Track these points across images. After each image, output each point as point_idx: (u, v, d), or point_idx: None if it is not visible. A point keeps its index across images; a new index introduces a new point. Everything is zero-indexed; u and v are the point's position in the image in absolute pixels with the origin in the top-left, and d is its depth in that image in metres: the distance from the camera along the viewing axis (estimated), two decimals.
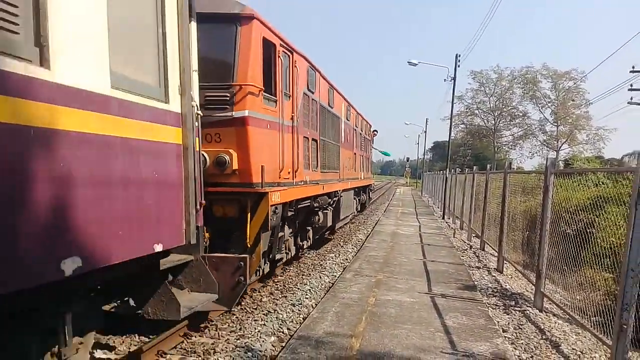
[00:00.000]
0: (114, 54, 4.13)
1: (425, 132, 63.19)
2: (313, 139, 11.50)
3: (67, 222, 3.63)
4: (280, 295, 9.04)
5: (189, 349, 6.26)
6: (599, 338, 6.21)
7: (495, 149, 71.87)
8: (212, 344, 6.45)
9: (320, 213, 12.14)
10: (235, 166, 7.50)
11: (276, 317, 7.59)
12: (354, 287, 9.08)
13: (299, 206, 10.20)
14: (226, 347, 6.30)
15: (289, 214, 9.57)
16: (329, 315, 7.23)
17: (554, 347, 6.59)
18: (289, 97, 9.43)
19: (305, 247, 12.26)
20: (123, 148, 4.28)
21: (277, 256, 9.36)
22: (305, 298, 8.80)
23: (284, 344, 6.33)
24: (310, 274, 10.87)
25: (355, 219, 22.06)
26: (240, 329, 7.06)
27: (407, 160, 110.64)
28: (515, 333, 7.06)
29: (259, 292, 9.27)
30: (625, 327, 5.30)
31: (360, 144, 21.09)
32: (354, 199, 19.09)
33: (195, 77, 5.63)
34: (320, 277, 10.47)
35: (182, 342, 6.53)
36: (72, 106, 3.67)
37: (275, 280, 10.20)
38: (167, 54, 5.07)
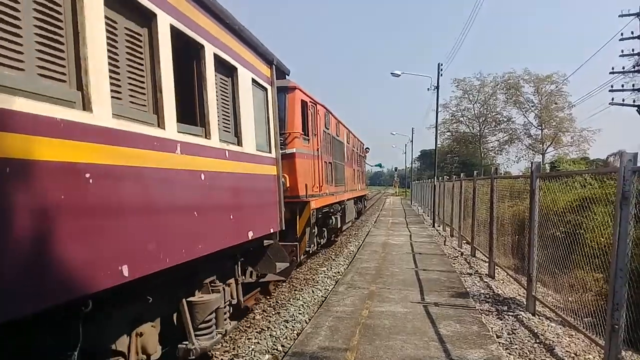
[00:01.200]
0: (257, 136, 7.64)
1: (412, 141, 63.64)
2: (329, 162, 15.88)
3: (248, 214, 7.08)
4: (273, 312, 9.00)
5: None
6: (591, 339, 6.23)
7: (482, 154, 72.35)
8: None
9: (333, 217, 15.89)
10: (288, 184, 11.14)
11: (270, 335, 7.55)
12: (347, 300, 9.05)
13: (322, 211, 14.14)
14: None
15: (318, 217, 13.44)
16: (323, 330, 7.19)
17: (548, 350, 6.60)
18: (315, 135, 13.66)
19: (322, 243, 15.76)
20: (260, 177, 7.70)
21: (312, 247, 13.69)
22: (299, 313, 8.76)
23: None
24: (302, 289, 10.83)
25: (347, 231, 22.05)
26: (234, 349, 7.01)
27: (396, 170, 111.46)
28: (509, 338, 7.07)
29: (252, 310, 9.20)
30: (616, 327, 5.31)
31: (358, 161, 25.68)
32: (354, 206, 23.42)
33: (277, 137, 8.81)
34: (312, 292, 10.43)
35: None
36: (252, 161, 7.36)
37: (268, 298, 10.14)
38: (270, 128, 8.51)
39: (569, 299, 7.57)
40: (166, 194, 4.71)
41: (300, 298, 9.86)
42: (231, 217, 6.36)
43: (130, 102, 4.42)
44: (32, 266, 3.07)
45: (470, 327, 7.34)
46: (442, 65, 26.46)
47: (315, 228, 13.52)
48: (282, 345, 7.11)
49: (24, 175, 3.00)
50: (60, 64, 3.50)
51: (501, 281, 11.09)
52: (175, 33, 5.10)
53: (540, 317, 8.05)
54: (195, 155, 5.37)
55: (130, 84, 4.41)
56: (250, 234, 7.05)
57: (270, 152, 8.35)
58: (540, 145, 65.20)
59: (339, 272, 12.45)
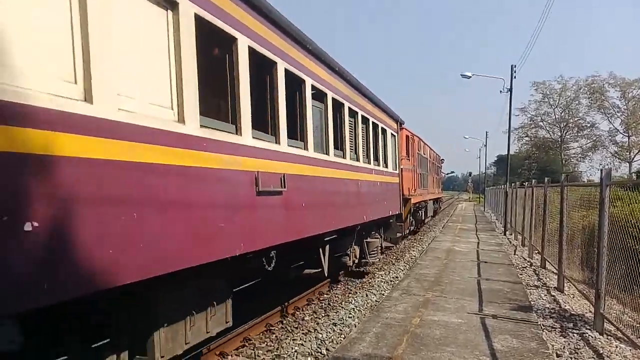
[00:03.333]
0: (390, 160, 14.79)
1: (486, 145, 61.39)
2: (419, 173, 22.51)
3: (387, 202, 13.84)
4: (323, 314, 8.85)
5: None
6: None
7: (563, 161, 68.81)
8: None
9: (420, 211, 23.15)
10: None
11: (315, 337, 7.40)
12: (399, 306, 8.75)
13: (416, 205, 20.69)
14: None
15: (412, 209, 19.54)
16: (369, 336, 6.96)
17: None
18: (412, 155, 20.24)
19: (411, 229, 21.37)
20: (391, 183, 14.52)
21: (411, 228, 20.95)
22: (349, 317, 8.56)
23: None
24: (357, 292, 10.63)
25: (410, 237, 21.59)
26: (277, 349, 6.92)
27: (470, 175, 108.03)
28: (571, 358, 6.52)
29: (302, 310, 9.11)
30: None
31: (436, 170, 32.85)
32: (433, 205, 30.49)
33: (399, 160, 15.86)
34: (366, 296, 10.19)
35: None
36: (387, 175, 14.25)
37: (321, 299, 10.03)
38: (396, 155, 15.71)
39: None
40: (351, 191, 10.19)
41: (353, 301, 9.65)
42: (385, 203, 13.48)
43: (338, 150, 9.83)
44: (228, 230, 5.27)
45: (528, 343, 6.85)
46: (515, 66, 25.26)
47: (410, 217, 19.60)
48: (327, 349, 6.93)
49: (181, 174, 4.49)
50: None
51: (571, 296, 10.35)
52: (350, 111, 10.42)
53: (609, 337, 7.40)
54: (358, 172, 10.83)
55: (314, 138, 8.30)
56: (390, 212, 14.21)
57: (395, 169, 15.56)
58: (627, 153, 61.11)
59: (397, 277, 12.12)
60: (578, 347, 6.93)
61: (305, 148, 7.66)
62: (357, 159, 10.88)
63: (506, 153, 29.21)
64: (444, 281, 11.11)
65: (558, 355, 6.56)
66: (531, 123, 71.64)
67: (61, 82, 3.34)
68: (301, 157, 7.43)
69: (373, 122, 12.38)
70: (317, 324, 8.20)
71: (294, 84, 7.39)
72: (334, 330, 7.79)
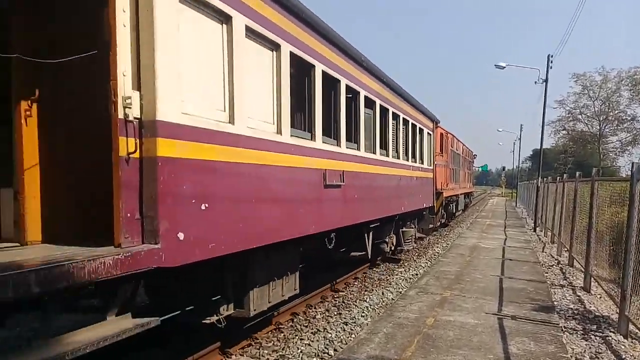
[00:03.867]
0: (426, 157, 16.07)
1: (520, 138, 59.94)
2: (452, 168, 23.75)
3: (422, 195, 15.27)
4: (335, 313, 8.64)
5: None
6: None
7: (601, 155, 66.64)
8: None
9: (451, 204, 24.45)
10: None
11: (324, 337, 7.20)
12: (414, 305, 8.47)
13: (447, 199, 22.02)
14: None
15: (444, 203, 21.01)
16: (378, 337, 6.71)
17: None
18: (446, 152, 21.59)
19: (442, 222, 22.58)
20: (426, 178, 15.97)
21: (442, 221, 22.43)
22: (361, 316, 8.33)
23: None
24: (373, 290, 10.38)
25: (436, 232, 21.16)
26: (283, 349, 6.75)
27: (503, 169, 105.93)
28: None
29: (315, 308, 8.92)
30: None
31: (467, 165, 33.91)
32: (464, 200, 32.06)
33: (434, 157, 17.52)
34: (382, 294, 9.93)
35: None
36: (423, 170, 15.74)
37: (335, 297, 9.82)
38: (431, 153, 16.97)
39: None
40: (392, 185, 11.80)
41: (368, 299, 9.41)
42: (420, 196, 14.82)
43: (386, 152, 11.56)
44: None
45: (546, 346, 6.50)
46: (552, 56, 24.37)
47: (442, 210, 21.07)
48: (335, 350, 6.71)
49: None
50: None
51: (597, 296, 9.89)
52: (394, 114, 11.94)
53: (634, 341, 6.99)
54: (399, 168, 12.47)
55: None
56: (424, 205, 15.56)
57: (430, 165, 16.86)
58: None
59: (416, 275, 11.82)
60: (599, 351, 6.55)
61: (358, 149, 9.39)
62: (398, 157, 12.60)
63: (543, 146, 28.28)
64: (465, 279, 10.76)
65: None
66: (569, 116, 69.49)
67: (218, 112, 5.05)
68: (355, 157, 9.16)
69: (412, 123, 14.09)
70: (328, 322, 7.99)
71: (351, 96, 9.21)
72: (344, 330, 7.57)
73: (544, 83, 25.13)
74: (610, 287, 9.22)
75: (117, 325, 4.12)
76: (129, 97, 3.98)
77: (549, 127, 70.83)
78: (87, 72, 4.59)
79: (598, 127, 67.38)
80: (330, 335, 7.29)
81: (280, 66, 6.19)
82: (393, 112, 11.84)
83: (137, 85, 4.11)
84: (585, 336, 7.17)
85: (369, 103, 10.06)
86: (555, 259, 14.49)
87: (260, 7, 5.68)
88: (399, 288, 10.44)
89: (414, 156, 14.31)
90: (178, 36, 4.36)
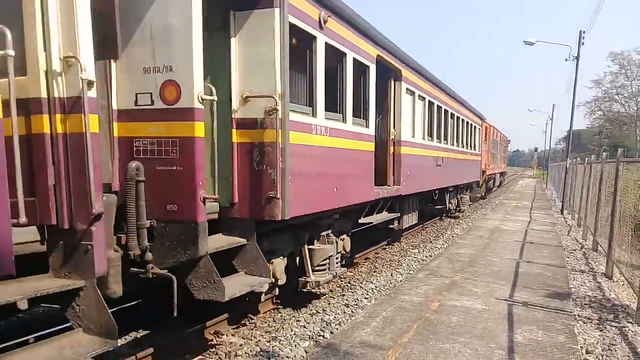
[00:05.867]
0: (476, 144, 22.55)
1: (552, 118, 58.07)
2: (491, 152, 29.30)
3: (472, 172, 21.79)
4: (339, 294, 8.35)
5: (212, 350, 5.82)
6: None
7: (637, 137, 64.32)
8: (240, 345, 5.97)
9: (490, 181, 30.80)
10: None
11: (321, 319, 6.92)
12: (420, 288, 8.12)
13: (488, 176, 28.56)
14: (251, 351, 5.77)
15: (487, 179, 29.02)
16: (375, 321, 6.40)
17: None
18: (488, 140, 27.42)
19: (482, 195, 29.00)
20: (475, 160, 22.44)
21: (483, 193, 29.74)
22: (364, 298, 8.03)
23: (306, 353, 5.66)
24: (382, 271, 10.05)
25: (458, 213, 20.64)
26: (277, 330, 6.50)
27: (536, 150, 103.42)
28: (602, 356, 5.72)
29: (318, 289, 8.65)
30: None
31: (503, 149, 40.12)
32: (499, 178, 38.30)
33: (482, 144, 24.66)
34: (391, 275, 9.60)
35: (212, 340, 6.13)
36: (473, 155, 22.24)
37: (343, 277, 9.52)
38: (480, 140, 23.90)
39: None
40: (459, 164, 18.12)
41: (374, 281, 9.09)
42: (472, 173, 21.25)
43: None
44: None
45: (556, 336, 6.08)
46: (583, 32, 23.24)
47: (484, 184, 27.85)
48: (331, 332, 6.43)
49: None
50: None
51: (620, 283, 9.36)
52: (458, 118, 17.65)
53: None
54: (461, 154, 18.57)
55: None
56: (474, 179, 22.12)
57: (479, 151, 22.87)
58: None
59: (430, 256, 11.43)
60: (613, 342, 6.10)
61: (447, 143, 15.88)
62: (462, 146, 18.68)
63: (576, 128, 27.48)
64: (479, 262, 10.33)
65: (588, 352, 5.78)
66: (605, 96, 67.23)
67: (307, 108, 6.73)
68: (447, 149, 15.84)
69: (469, 123, 20.44)
70: (329, 304, 7.72)
71: (444, 111, 15.31)
72: (344, 312, 7.28)
73: (575, 60, 24.04)
74: (634, 273, 8.69)
75: None
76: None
77: (584, 107, 68.66)
78: None
79: (635, 108, 65.00)
80: (328, 317, 7.02)
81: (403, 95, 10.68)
82: (459, 117, 17.91)
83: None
84: (600, 326, 6.71)
85: (452, 115, 16.47)
86: (580, 244, 13.88)
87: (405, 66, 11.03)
88: (410, 270, 10.08)
89: (470, 145, 20.68)
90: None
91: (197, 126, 4.80)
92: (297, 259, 7.30)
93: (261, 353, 5.68)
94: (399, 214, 11.25)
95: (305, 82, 6.80)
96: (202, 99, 4.85)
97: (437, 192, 15.28)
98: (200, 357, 5.65)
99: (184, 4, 4.67)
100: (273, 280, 6.29)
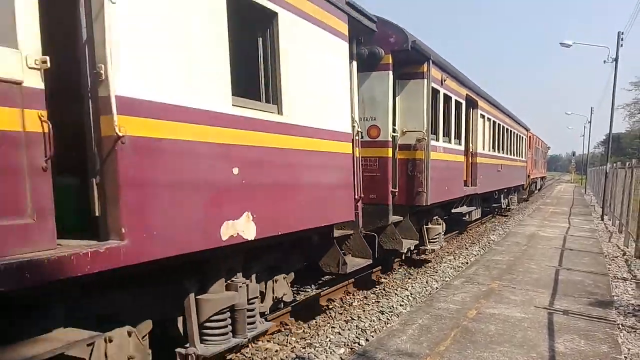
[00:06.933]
0: (521, 152, 25.74)
1: (590, 122, 56.49)
2: (534, 159, 33.40)
3: (519, 176, 25.12)
4: (373, 300, 8.32)
5: (247, 356, 5.86)
6: None
7: None
8: (275, 351, 6.00)
9: (533, 184, 34.21)
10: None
11: (356, 326, 6.91)
12: (457, 296, 8.01)
13: (532, 180, 32.28)
14: (286, 357, 5.81)
15: (531, 183, 32.91)
16: (411, 329, 6.35)
17: None
18: (532, 148, 31.07)
19: (525, 197, 31.50)
20: (521, 167, 25.66)
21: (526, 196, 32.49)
22: (400, 305, 7.97)
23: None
24: (417, 278, 9.97)
25: (494, 219, 20.34)
26: (312, 336, 6.52)
27: (573, 155, 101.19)
28: None
29: (353, 295, 8.64)
30: None
31: (543, 156, 44.40)
32: (540, 181, 42.11)
33: (527, 152, 28.38)
34: (427, 282, 9.51)
35: (247, 346, 6.18)
36: (520, 162, 25.82)
37: (376, 284, 9.49)
38: (526, 149, 27.93)
39: None
40: (509, 170, 21.02)
41: (410, 288, 9.02)
42: (519, 177, 24.66)
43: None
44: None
45: (598, 346, 5.92)
46: (622, 33, 22.63)
47: (528, 187, 30.48)
48: (367, 340, 6.41)
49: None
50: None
51: None
52: (508, 130, 21.04)
53: None
54: (511, 161, 21.77)
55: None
56: (520, 183, 25.49)
57: (524, 158, 26.20)
58: None
59: (466, 263, 11.28)
60: None
61: (502, 152, 18.62)
62: (512, 154, 21.74)
63: (616, 132, 26.89)
64: (517, 269, 10.14)
65: None
66: None
67: (433, 135, 10.31)
68: (503, 157, 18.87)
69: (517, 134, 23.68)
70: (364, 310, 7.69)
71: (501, 127, 18.82)
72: (379, 319, 7.25)
73: (614, 62, 23.41)
74: None
75: None
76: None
77: (623, 110, 66.81)
78: None
79: None
80: (363, 324, 7.00)
81: (478, 118, 14.33)
82: (511, 130, 21.49)
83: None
84: None
85: (506, 129, 20.01)
86: (622, 250, 13.48)
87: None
88: (445, 277, 9.97)
89: (518, 153, 23.94)
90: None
91: (389, 150, 9.04)
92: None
93: (296, 359, 5.70)
94: (475, 207, 15.19)
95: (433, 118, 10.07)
96: (392, 136, 8.99)
97: (496, 192, 19.15)
98: None
99: (384, 85, 8.92)
100: (418, 242, 10.01)
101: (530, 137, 29.81)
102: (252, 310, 5.15)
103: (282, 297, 6.14)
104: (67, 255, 2.95)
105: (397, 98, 9.24)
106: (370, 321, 7.13)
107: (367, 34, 7.45)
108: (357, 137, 7.11)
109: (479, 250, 13.19)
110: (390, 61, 8.83)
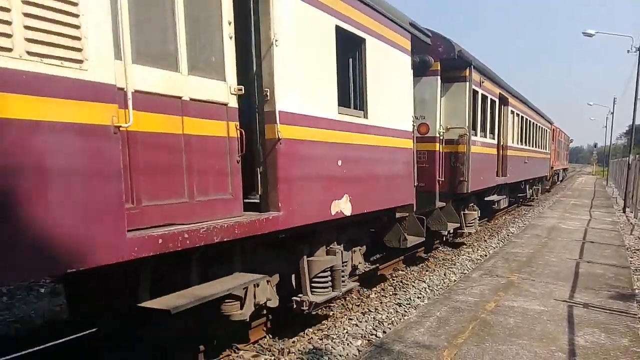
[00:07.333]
0: (547, 146, 27.77)
1: (612, 113, 55.49)
2: (557, 151, 34.85)
3: (545, 168, 27.73)
4: (391, 293, 8.32)
5: (266, 346, 5.91)
6: None
7: None
8: (293, 342, 6.04)
9: (555, 176, 36.07)
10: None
11: (374, 318, 6.92)
12: (475, 288, 7.97)
13: (554, 171, 34.11)
14: (304, 348, 5.83)
15: (554, 174, 34.39)
16: (429, 321, 6.33)
17: None
18: (555, 141, 32.45)
19: (547, 188, 31.62)
20: (545, 159, 27.31)
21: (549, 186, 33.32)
22: (417, 297, 7.96)
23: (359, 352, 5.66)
24: (435, 270, 9.93)
25: (514, 211, 20.15)
26: (329, 328, 6.54)
27: (595, 146, 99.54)
28: None
29: (370, 288, 8.64)
30: None
31: (566, 148, 45.89)
32: (562, 173, 44.13)
33: (549, 144, 28.78)
34: (445, 275, 9.48)
35: (264, 337, 6.23)
36: (545, 155, 27.08)
37: (394, 275, 9.48)
38: (549, 141, 28.29)
39: None
40: (534, 162, 21.64)
41: (427, 280, 9.00)
42: (543, 169, 25.93)
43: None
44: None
45: (619, 339, 5.85)
46: None
47: (551, 178, 31.28)
48: (384, 331, 6.42)
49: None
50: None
51: None
52: (533, 124, 21.82)
53: None
54: (536, 153, 22.62)
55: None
56: (544, 174, 26.65)
57: (548, 151, 27.17)
58: None
59: (484, 255, 11.21)
60: None
61: (528, 145, 19.68)
62: (537, 147, 22.55)
63: (639, 121, 26.11)
64: (537, 262, 10.04)
65: None
66: None
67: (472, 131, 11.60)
68: (529, 150, 19.89)
69: (542, 128, 24.27)
70: (381, 302, 7.69)
71: (529, 122, 19.74)
72: (396, 312, 7.25)
73: (638, 52, 22.91)
74: None
75: None
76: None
77: (634, 99, 65.38)
78: None
79: None
80: (380, 316, 7.01)
81: (508, 114, 15.38)
82: (537, 124, 22.33)
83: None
84: None
85: (532, 124, 20.85)
86: None
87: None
88: (463, 269, 9.93)
89: (543, 146, 24.88)
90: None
91: (437, 145, 10.10)
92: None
93: (314, 350, 5.73)
94: (504, 196, 16.17)
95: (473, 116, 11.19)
96: (439, 132, 10.07)
97: (522, 182, 20.05)
98: (254, 353, 5.75)
99: (432, 89, 9.98)
100: (458, 225, 11.05)
101: (553, 130, 30.94)
102: (343, 271, 6.55)
103: (357, 265, 7.45)
104: (254, 220, 4.41)
105: (442, 99, 10.40)
106: (388, 313, 7.13)
107: (423, 47, 8.69)
108: (414, 134, 8.21)
109: (497, 242, 13.10)
110: (439, 67, 9.95)
